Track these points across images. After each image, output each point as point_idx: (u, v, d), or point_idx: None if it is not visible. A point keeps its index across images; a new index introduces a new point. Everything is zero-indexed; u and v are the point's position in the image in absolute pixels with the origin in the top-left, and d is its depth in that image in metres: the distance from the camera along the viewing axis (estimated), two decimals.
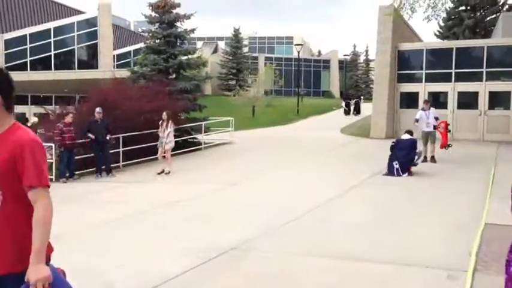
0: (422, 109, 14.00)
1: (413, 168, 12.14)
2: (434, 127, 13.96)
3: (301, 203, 8.59)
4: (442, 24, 50.20)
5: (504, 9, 32.38)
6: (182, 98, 16.67)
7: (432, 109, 14.03)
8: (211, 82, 46.48)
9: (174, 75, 17.82)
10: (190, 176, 12.59)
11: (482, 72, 19.41)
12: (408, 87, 20.92)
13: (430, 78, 20.49)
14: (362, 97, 41.30)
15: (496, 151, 16.21)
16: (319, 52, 76.17)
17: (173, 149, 13.52)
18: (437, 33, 40.35)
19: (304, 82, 57.29)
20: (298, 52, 36.36)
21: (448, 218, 7.60)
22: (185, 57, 17.54)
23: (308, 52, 75.89)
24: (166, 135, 12.88)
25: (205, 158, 15.80)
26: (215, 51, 59.03)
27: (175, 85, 17.02)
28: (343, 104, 36.97)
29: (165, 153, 12.95)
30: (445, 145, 14.12)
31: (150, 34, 18.53)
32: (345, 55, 55.72)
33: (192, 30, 18.45)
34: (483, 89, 19.35)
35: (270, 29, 75.20)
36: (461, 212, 8.03)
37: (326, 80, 59.64)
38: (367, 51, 64.61)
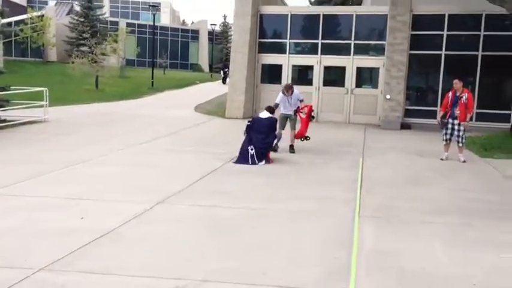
0: (283, 92, 10.94)
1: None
2: (296, 111, 11.06)
3: (101, 221, 4.88)
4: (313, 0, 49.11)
5: None
6: None
7: (296, 91, 11.06)
8: (57, 47, 40.11)
9: None
10: None
11: (350, 44, 17.09)
12: (271, 59, 17.97)
13: (295, 49, 17.76)
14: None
15: (364, 137, 13.92)
16: (184, 22, 71.54)
17: None
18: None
19: (170, 53, 52.76)
20: (153, 16, 31.77)
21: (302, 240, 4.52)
22: None
23: (178, 22, 70.99)
24: None
25: None
26: (69, 13, 51.84)
27: None
28: (222, 73, 36.38)
29: None
30: (301, 135, 11.26)
31: None
32: (212, 24, 51.95)
33: None
34: (351, 64, 17.08)
35: None
36: (323, 235, 4.97)
37: (195, 52, 55.56)
38: None
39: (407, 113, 16.57)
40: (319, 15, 17.32)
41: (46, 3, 58.22)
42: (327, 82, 17.46)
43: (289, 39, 17.57)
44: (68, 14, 50.98)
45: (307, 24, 17.75)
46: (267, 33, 18.01)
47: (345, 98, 17.20)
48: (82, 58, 25.53)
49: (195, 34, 55.80)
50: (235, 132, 14.04)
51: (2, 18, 13.02)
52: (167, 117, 17.18)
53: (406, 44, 16.03)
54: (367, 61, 17.21)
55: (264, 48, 17.90)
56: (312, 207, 6.45)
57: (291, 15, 17.50)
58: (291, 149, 10.87)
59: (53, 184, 7.36)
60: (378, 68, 16.91)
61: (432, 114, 15.41)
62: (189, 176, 8.01)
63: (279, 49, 17.81)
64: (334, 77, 17.76)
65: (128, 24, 50.40)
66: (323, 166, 9.47)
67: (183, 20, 78.13)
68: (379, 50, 17.04)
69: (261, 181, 8.05)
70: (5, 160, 9.18)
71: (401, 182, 8.33)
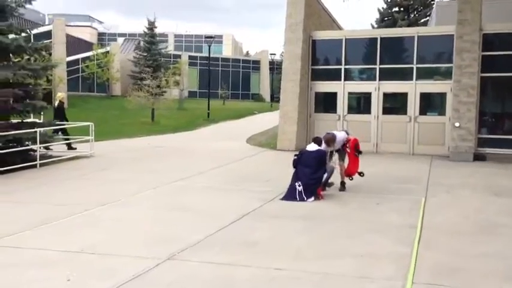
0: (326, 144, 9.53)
1: None
2: (343, 145, 9.65)
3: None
4: (376, 26, 47.61)
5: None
6: None
7: (338, 134, 9.67)
8: (121, 81, 41.18)
9: None
10: None
11: (412, 68, 15.60)
12: (325, 86, 16.82)
13: (351, 76, 16.49)
14: None
15: (429, 170, 12.33)
16: (247, 53, 71.92)
17: None
18: None
19: (232, 84, 52.94)
20: (209, 47, 31.60)
21: None
22: (9, 39, 12.22)
23: (240, 53, 71.69)
24: None
25: (23, 181, 10.82)
26: (136, 48, 53.63)
27: None
28: None
29: None
30: (350, 174, 9.68)
31: None
32: (271, 54, 51.60)
33: (28, 0, 13.02)
34: (413, 89, 15.55)
35: (203, 29, 70.64)
36: None
37: (256, 82, 55.44)
38: None
39: (481, 142, 14.72)
40: (376, 38, 16.03)
41: (115, 40, 60.85)
42: (387, 110, 15.99)
43: (344, 65, 16.35)
44: (135, 49, 52.76)
45: (363, 49, 16.51)
46: (320, 59, 16.93)
47: (408, 126, 15.63)
48: (139, 91, 25.60)
49: (256, 64, 55.78)
50: (283, 167, 12.93)
51: (18, 34, 12.78)
52: (216, 150, 16.39)
53: (476, 65, 14.33)
54: (432, 86, 15.61)
55: (318, 76, 16.80)
56: (350, 270, 5.14)
57: (346, 39, 16.33)
58: (341, 186, 9.59)
59: (61, 232, 6.58)
60: (445, 93, 15.25)
61: (510, 144, 13.52)
62: (218, 221, 6.98)
63: (334, 76, 16.63)
64: (395, 104, 16.28)
65: (190, 57, 51.34)
66: (375, 208, 8.11)
67: (247, 52, 78.78)
68: (445, 74, 15.41)
69: (298, 227, 6.86)
70: (25, 202, 8.59)
71: (471, 231, 6.82)
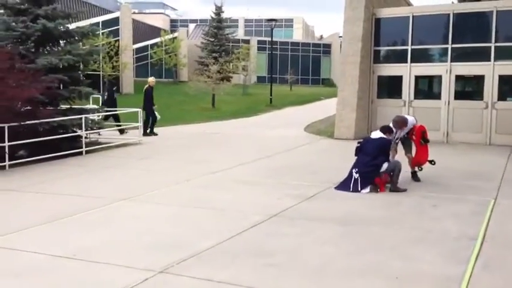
0: (392, 130, 8.71)
1: None
2: (408, 133, 8.81)
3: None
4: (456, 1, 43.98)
5: None
6: (45, 80, 11.23)
7: (410, 118, 8.92)
8: (188, 67, 41.25)
9: (33, 47, 12.28)
10: None
11: (489, 48, 13.73)
12: (389, 69, 15.34)
13: (418, 57, 14.86)
14: None
15: (505, 164, 10.70)
16: (321, 37, 69.78)
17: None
18: None
19: (302, 69, 51.59)
20: (271, 30, 30.50)
21: None
22: (54, 23, 11.96)
23: (312, 37, 69.81)
24: None
25: (64, 169, 10.57)
26: (205, 34, 53.77)
27: (36, 61, 11.64)
28: None
29: None
30: (419, 163, 8.82)
31: None
32: (340, 37, 49.44)
33: None
34: (491, 71, 13.70)
35: (275, 14, 69.45)
36: None
37: (327, 66, 53.58)
38: None
39: None
40: (448, 14, 14.26)
41: (187, 26, 61.33)
42: (460, 95, 14.28)
43: (411, 45, 14.76)
44: (203, 35, 52.91)
45: (433, 27, 14.77)
46: (384, 39, 15.42)
47: (484, 113, 13.84)
48: (199, 76, 25.26)
49: (327, 48, 53.91)
50: (336, 157, 11.92)
51: (69, 22, 12.46)
52: (270, 137, 15.55)
53: None
54: None
55: (381, 58, 15.37)
56: None
57: (413, 16, 14.70)
58: (414, 176, 8.79)
59: (67, 231, 6.04)
60: None
61: None
62: (239, 223, 6.14)
63: (399, 58, 15.12)
64: (469, 88, 14.55)
65: (259, 42, 50.50)
66: (430, 212, 6.87)
67: (321, 36, 76.39)
68: None
69: (331, 233, 5.85)
70: (49, 193, 8.22)
71: None
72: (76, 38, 13.07)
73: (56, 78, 11.68)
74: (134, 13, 60.17)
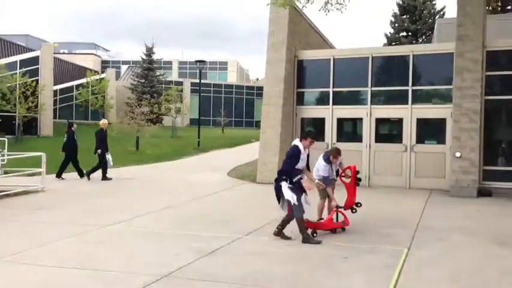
0: (328, 160, 8.33)
1: None
2: (337, 173, 8.61)
3: None
4: None
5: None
6: None
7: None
8: (117, 109, 39.87)
9: None
10: None
11: (407, 91, 13.84)
12: (311, 111, 15.12)
13: (340, 100, 14.75)
14: None
15: (422, 209, 10.44)
16: (257, 80, 70.64)
17: None
18: None
19: (235, 111, 51.57)
20: (199, 72, 30.18)
21: None
22: None
23: (247, 80, 70.49)
24: None
25: None
26: (135, 75, 52.76)
27: None
28: None
29: None
30: (351, 205, 8.37)
31: None
32: None
33: None
34: (409, 114, 13.76)
35: (210, 57, 69.92)
36: None
37: (260, 108, 53.80)
38: None
39: (487, 175, 12.81)
40: (367, 57, 14.33)
41: (119, 67, 60.02)
42: (380, 138, 14.20)
43: (333, 87, 14.66)
44: (132, 76, 51.92)
45: (353, 70, 14.78)
46: (307, 82, 15.25)
47: (404, 156, 13.78)
48: (126, 118, 24.18)
49: (260, 91, 54.24)
50: (255, 204, 11.23)
51: None
52: (189, 182, 14.69)
53: (479, 87, 12.54)
54: (430, 110, 13.80)
55: (304, 100, 15.15)
56: None
57: (334, 59, 14.67)
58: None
59: None
60: (445, 119, 13.43)
61: None
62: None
63: (321, 100, 14.97)
64: (389, 131, 14.53)
65: (192, 84, 50.10)
66: (339, 266, 6.25)
67: (257, 79, 77.23)
68: (444, 97, 13.68)
69: None
70: None
71: None
72: None
73: None
74: (64, 53, 58.44)
